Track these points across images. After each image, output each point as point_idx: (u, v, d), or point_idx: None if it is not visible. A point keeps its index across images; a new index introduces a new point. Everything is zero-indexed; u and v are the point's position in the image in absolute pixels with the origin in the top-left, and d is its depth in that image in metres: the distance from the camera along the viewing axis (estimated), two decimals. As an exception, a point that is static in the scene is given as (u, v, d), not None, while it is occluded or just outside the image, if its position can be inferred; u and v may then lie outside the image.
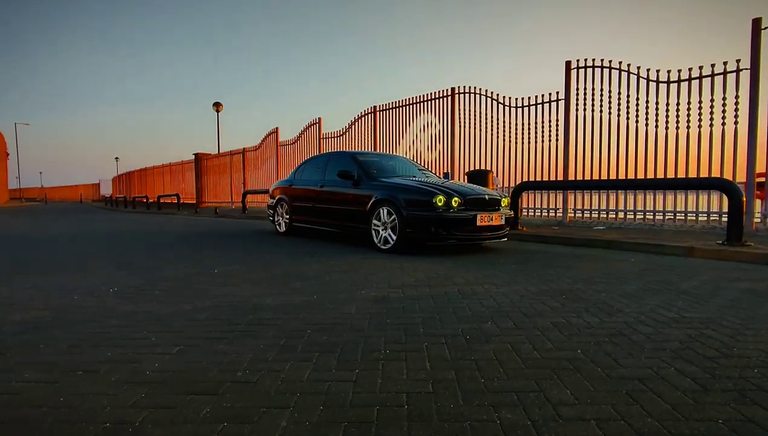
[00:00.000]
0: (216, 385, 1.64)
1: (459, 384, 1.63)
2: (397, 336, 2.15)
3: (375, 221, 5.19)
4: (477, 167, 9.34)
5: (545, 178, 8.26)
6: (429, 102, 10.18)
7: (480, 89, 9.16)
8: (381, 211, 5.11)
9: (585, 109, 7.71)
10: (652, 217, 7.30)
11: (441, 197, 4.75)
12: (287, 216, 7.02)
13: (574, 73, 7.81)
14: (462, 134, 9.60)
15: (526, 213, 8.78)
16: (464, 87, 9.42)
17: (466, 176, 7.75)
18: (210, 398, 1.54)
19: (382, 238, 5.10)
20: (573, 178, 7.85)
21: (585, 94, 7.69)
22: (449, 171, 9.65)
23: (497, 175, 8.77)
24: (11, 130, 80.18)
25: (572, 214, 8.09)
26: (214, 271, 3.95)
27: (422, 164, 10.15)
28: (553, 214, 8.41)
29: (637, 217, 7.43)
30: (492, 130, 9.06)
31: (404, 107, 10.78)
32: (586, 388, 1.59)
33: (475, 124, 9.32)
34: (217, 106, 19.68)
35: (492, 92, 8.98)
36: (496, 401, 1.50)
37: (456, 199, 4.81)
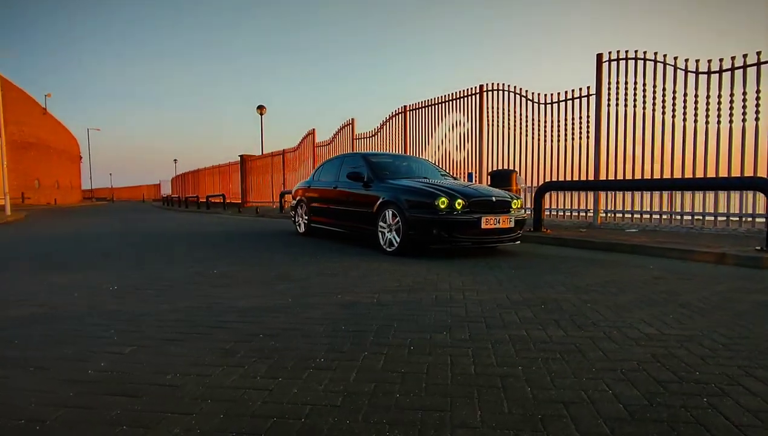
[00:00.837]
0: (142, 387, 1.70)
1: (371, 398, 1.59)
2: (342, 344, 2.13)
3: (381, 223, 5.17)
4: (505, 167, 9.06)
5: (575, 178, 7.87)
6: (457, 100, 9.99)
7: (508, 86, 8.88)
8: (386, 213, 5.08)
9: (617, 105, 7.27)
10: (690, 219, 6.76)
11: (444, 199, 4.65)
12: (305, 217, 7.15)
13: (605, 66, 7.38)
14: (490, 133, 9.34)
15: (554, 214, 8.42)
16: (493, 84, 9.16)
17: (489, 176, 7.54)
18: (127, 401, 1.60)
19: (387, 240, 5.07)
20: (604, 178, 7.43)
21: (617, 88, 7.26)
22: (474, 171, 9.44)
23: (522, 175, 8.46)
24: (84, 135, 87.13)
25: (603, 216, 7.66)
26: (214, 271, 4.09)
27: (450, 165, 10.00)
28: (584, 215, 7.99)
29: (675, 219, 6.91)
30: (520, 128, 8.76)
31: (433, 106, 10.65)
32: (501, 410, 1.50)
33: (503, 122, 9.05)
34: (260, 109, 20.36)
35: (520, 89, 8.68)
36: (396, 419, 1.45)
37: (460, 201, 4.69)
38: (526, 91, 8.58)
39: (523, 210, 5.40)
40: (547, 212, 8.66)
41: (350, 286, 3.41)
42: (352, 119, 13.51)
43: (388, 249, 5.05)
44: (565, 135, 8.03)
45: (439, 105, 10.46)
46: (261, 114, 20.39)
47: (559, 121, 8.12)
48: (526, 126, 8.64)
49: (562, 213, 8.39)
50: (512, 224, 4.91)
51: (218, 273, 4.01)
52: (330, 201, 6.39)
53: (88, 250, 5.85)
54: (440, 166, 10.26)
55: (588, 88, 7.61)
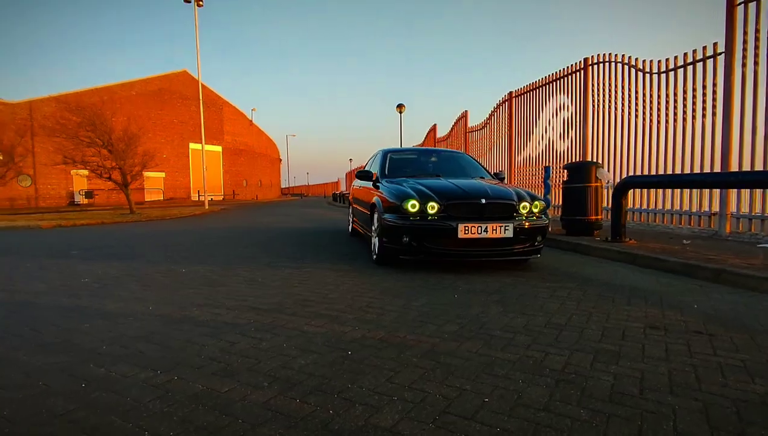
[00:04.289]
0: None
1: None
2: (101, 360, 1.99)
3: (373, 227, 4.72)
4: (611, 157, 7.28)
5: (698, 169, 5.82)
6: (561, 80, 8.45)
7: (615, 56, 7.09)
8: (374, 216, 4.61)
9: (757, 65, 5.08)
10: None
11: (413, 202, 3.96)
12: (351, 217, 7.02)
13: (740, 11, 5.22)
14: (595, 116, 7.63)
15: (658, 218, 6.40)
16: (598, 56, 7.45)
17: (564, 171, 6.13)
18: None
19: (374, 246, 4.60)
20: (738, 169, 5.31)
21: (757, 41, 5.07)
22: (564, 162, 7.83)
23: (606, 168, 6.65)
24: (283, 140, 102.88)
25: (735, 221, 5.48)
26: (182, 271, 4.30)
27: (553, 157, 8.58)
28: (705, 220, 5.85)
29: None
30: (629, 107, 6.91)
31: (537, 90, 9.25)
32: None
33: (609, 101, 7.27)
34: (399, 107, 20.85)
35: (629, 57, 6.83)
36: None
37: (433, 204, 3.92)
38: (636, 59, 6.69)
39: (544, 216, 4.22)
40: (644, 215, 6.67)
41: (268, 296, 3.16)
42: (466, 112, 12.73)
43: (374, 257, 4.58)
44: (684, 113, 5.99)
45: (543, 87, 9.02)
46: (400, 112, 20.86)
47: (675, 94, 6.10)
48: (636, 104, 6.76)
49: (669, 217, 6.32)
50: (508, 234, 3.87)
51: (212, 273, 4.19)
52: (356, 201, 6.14)
53: (176, 242, 6.84)
54: (546, 158, 8.87)
55: (715, 45, 5.52)
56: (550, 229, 6.51)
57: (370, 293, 3.24)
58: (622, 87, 6.96)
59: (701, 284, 3.61)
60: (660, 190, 6.43)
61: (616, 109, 7.14)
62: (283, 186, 61.01)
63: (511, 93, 10.18)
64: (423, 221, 3.89)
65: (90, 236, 8.10)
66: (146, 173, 29.78)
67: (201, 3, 22.44)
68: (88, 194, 27.57)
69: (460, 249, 3.90)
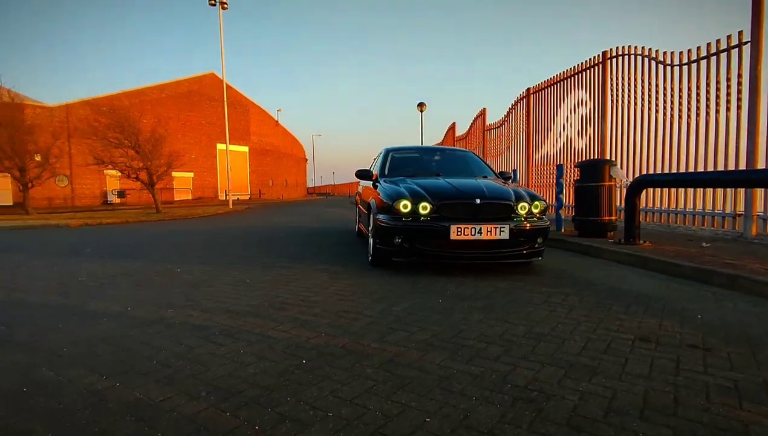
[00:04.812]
0: None
1: None
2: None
3: (369, 228, 4.61)
4: (630, 154, 6.94)
5: (722, 167, 5.46)
6: (578, 75, 8.12)
7: (635, 48, 6.74)
8: (370, 216, 4.51)
9: (787, 53, 4.70)
10: None
11: (405, 202, 3.83)
12: (357, 217, 6.92)
13: (767, -3, 4.85)
14: (614, 111, 7.28)
15: (679, 219, 6.03)
16: (617, 49, 7.11)
17: (577, 170, 5.86)
18: None
19: (370, 247, 4.49)
20: (766, 166, 4.94)
21: (787, 27, 4.69)
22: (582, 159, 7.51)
23: (620, 166, 6.32)
24: (309, 140, 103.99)
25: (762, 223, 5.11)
26: (177, 270, 4.30)
27: (571, 155, 8.27)
28: (730, 221, 5.47)
29: None
30: (649, 102, 6.55)
31: (554, 85, 8.93)
32: None
33: (629, 96, 6.93)
34: (420, 106, 20.65)
35: (649, 50, 6.47)
36: None
37: (425, 204, 3.78)
38: (656, 51, 6.33)
39: (544, 217, 4.01)
40: (664, 216, 6.30)
41: (243, 296, 3.11)
42: (484, 109, 12.46)
43: (369, 259, 4.48)
44: (707, 106, 5.62)
45: (561, 83, 8.69)
46: (421, 111, 20.66)
47: (698, 87, 5.73)
48: (656, 99, 6.40)
49: (690, 217, 5.95)
50: (503, 236, 3.68)
51: (203, 272, 4.20)
52: (360, 202, 6.05)
53: (214, 242, 6.94)
54: (564, 157, 8.56)
55: (740, 34, 5.14)
56: (564, 230, 6.29)
57: (352, 297, 3.14)
58: (642, 81, 6.61)
59: (714, 291, 3.34)
60: (681, 190, 6.06)
61: (635, 104, 6.78)
62: (309, 185, 61.62)
63: (528, 89, 9.87)
64: (415, 222, 3.76)
65: (109, 235, 8.32)
66: (175, 173, 30.61)
67: (226, 6, 22.86)
68: (120, 194, 28.57)
69: (453, 251, 3.74)
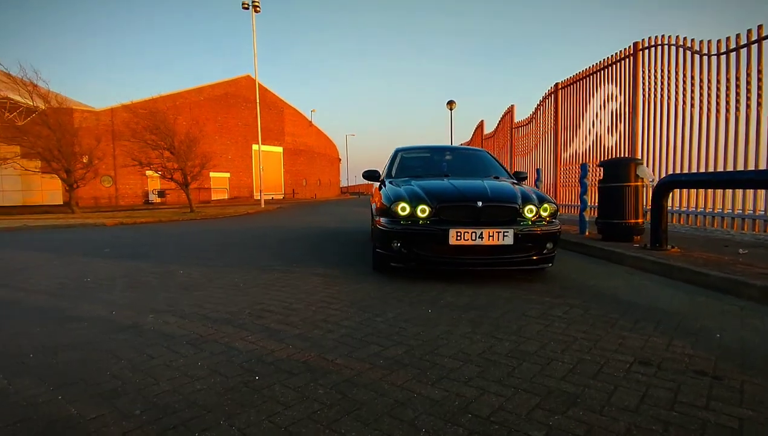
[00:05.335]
0: None
1: None
2: None
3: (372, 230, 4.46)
4: (663, 150, 6.46)
5: (763, 166, 4.96)
6: (608, 69, 7.66)
7: (668, 38, 6.26)
8: (373, 220, 4.36)
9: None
10: None
11: (403, 204, 3.64)
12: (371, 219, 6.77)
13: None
14: (646, 106, 6.81)
15: (716, 222, 5.53)
16: (649, 39, 6.63)
17: (600, 169, 5.47)
18: None
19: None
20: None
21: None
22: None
23: (652, 164, 5.85)
24: (342, 140, 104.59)
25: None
26: (180, 272, 4.30)
27: (601, 153, 7.84)
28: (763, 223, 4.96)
29: None
30: (683, 96, 6.07)
31: (583, 80, 8.47)
32: None
33: (662, 89, 6.45)
34: (450, 104, 20.30)
35: (684, 39, 5.99)
36: None
37: (423, 206, 3.58)
38: (691, 40, 5.85)
39: (555, 221, 3.72)
40: (700, 218, 5.80)
41: (231, 302, 3.05)
42: (512, 106, 12.04)
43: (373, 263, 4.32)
44: (747, 99, 5.13)
45: (590, 77, 8.23)
46: (450, 109, 20.30)
47: (737, 79, 5.24)
48: (692, 92, 5.91)
49: (729, 220, 5.44)
50: (507, 241, 3.43)
51: (196, 274, 4.19)
52: (371, 205, 5.90)
53: (227, 243, 7.04)
54: (593, 155, 8.12)
55: (786, 17, 4.62)
56: (588, 233, 5.91)
57: (337, 305, 3.00)
58: (676, 73, 6.12)
59: (744, 305, 2.99)
60: (719, 190, 5.56)
61: (668, 98, 6.30)
62: (342, 185, 62.07)
63: (557, 84, 9.42)
64: (413, 226, 3.57)
65: (137, 234, 8.56)
66: (212, 174, 31.53)
67: (258, 9, 23.29)
68: (161, 194, 29.68)
69: (452, 257, 3.53)
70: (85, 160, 18.35)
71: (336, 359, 2.05)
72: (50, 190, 26.92)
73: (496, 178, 4.61)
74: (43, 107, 17.35)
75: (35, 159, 18.13)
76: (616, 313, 2.79)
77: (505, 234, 3.44)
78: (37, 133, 16.85)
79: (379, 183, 4.94)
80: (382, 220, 3.76)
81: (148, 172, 24.71)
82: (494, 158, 5.31)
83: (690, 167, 5.91)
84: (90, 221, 12.44)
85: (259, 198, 33.95)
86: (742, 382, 1.81)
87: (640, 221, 5.15)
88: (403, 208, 3.63)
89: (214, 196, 33.42)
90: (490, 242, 3.44)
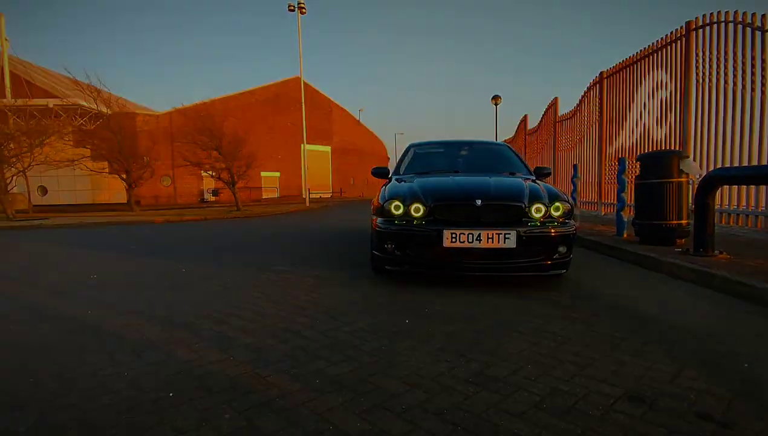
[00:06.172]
0: None
1: None
2: None
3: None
4: (721, 146, 5.70)
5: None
6: (657, 53, 6.91)
7: (726, 14, 5.50)
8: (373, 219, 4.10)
9: None
10: None
11: (396, 203, 3.36)
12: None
13: None
14: (700, 93, 6.05)
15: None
16: (705, 17, 5.88)
17: (637, 163, 4.87)
18: None
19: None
20: None
21: None
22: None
23: (699, 159, 5.12)
24: (391, 138, 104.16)
25: None
26: (182, 270, 4.25)
27: (649, 147, 7.13)
28: None
29: None
30: (743, 78, 5.31)
31: (630, 67, 7.72)
32: None
33: (718, 73, 5.69)
34: (495, 99, 19.56)
35: (743, 14, 5.23)
36: None
37: (417, 205, 3.28)
38: (752, 15, 5.09)
39: (569, 221, 3.28)
40: (762, 219, 5.01)
41: (209, 303, 2.94)
42: (555, 99, 11.31)
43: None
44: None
45: (637, 63, 7.49)
46: (495, 104, 19.56)
47: (808, 56, 4.46)
48: (752, 75, 5.15)
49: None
50: (509, 244, 3.06)
51: (193, 273, 4.16)
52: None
53: (245, 242, 7.12)
54: (642, 148, 7.40)
55: None
56: (625, 235, 5.31)
57: (308, 311, 2.78)
58: (734, 54, 5.35)
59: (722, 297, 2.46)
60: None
61: (726, 83, 5.53)
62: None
63: (602, 73, 8.68)
64: (407, 226, 3.29)
65: (175, 231, 8.85)
66: (263, 173, 32.50)
67: (304, 11, 23.65)
68: (215, 192, 31.00)
69: (448, 261, 3.21)
70: (145, 161, 19.45)
71: (269, 376, 1.83)
72: (116, 189, 28.84)
73: (512, 174, 4.21)
74: (108, 112, 18.59)
75: (102, 161, 19.47)
76: (625, 330, 2.37)
77: (507, 236, 3.07)
78: (101, 136, 18.10)
79: (387, 180, 4.68)
80: (378, 220, 3.51)
81: (204, 173, 25.98)
82: (515, 153, 4.88)
83: (750, 161, 5.15)
84: (142, 218, 13.13)
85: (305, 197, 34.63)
86: (757, 434, 1.40)
87: (684, 222, 4.54)
88: (396, 207, 3.35)
89: (264, 195, 34.47)
90: (489, 245, 3.09)
